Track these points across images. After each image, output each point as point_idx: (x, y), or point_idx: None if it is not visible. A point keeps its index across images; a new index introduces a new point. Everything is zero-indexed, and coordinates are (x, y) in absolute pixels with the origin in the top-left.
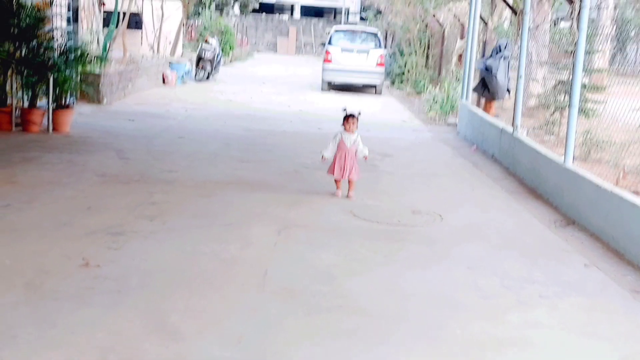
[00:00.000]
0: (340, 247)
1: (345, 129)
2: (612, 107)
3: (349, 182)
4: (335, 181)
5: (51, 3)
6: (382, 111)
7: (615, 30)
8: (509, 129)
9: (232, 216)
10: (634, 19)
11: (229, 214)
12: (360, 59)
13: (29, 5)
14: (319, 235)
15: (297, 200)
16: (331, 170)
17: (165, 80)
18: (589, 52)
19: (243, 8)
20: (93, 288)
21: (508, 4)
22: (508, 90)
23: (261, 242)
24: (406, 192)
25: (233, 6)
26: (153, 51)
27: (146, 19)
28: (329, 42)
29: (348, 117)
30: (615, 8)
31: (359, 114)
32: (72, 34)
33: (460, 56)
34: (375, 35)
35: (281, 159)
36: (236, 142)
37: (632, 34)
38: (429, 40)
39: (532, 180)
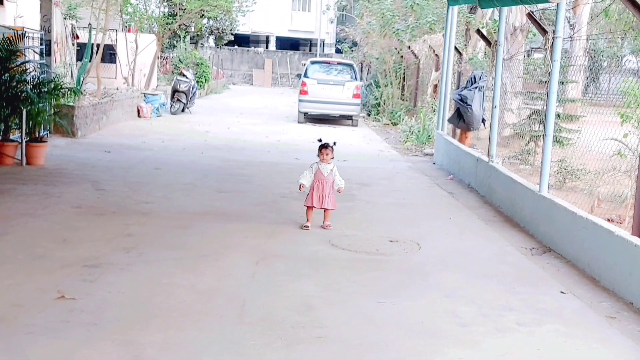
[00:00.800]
0: (319, 277)
1: (320, 159)
2: (586, 136)
3: (324, 212)
4: (307, 212)
5: (23, 36)
6: (359, 142)
7: (588, 61)
8: (485, 158)
9: (209, 247)
10: (606, 50)
11: (206, 245)
12: (336, 90)
13: (1, 37)
14: (297, 265)
15: (274, 231)
16: (309, 200)
17: (140, 113)
18: (562, 82)
19: (218, 40)
20: (68, 321)
21: (482, 36)
22: (483, 121)
23: (239, 273)
24: (384, 221)
25: (208, 39)
26: (127, 84)
27: (120, 52)
28: (305, 74)
29: (322, 148)
30: (587, 39)
31: (334, 144)
32: (45, 66)
33: (435, 87)
34: (351, 66)
35: (259, 189)
36: (213, 172)
37: (605, 64)
38: (404, 72)
39: (508, 209)
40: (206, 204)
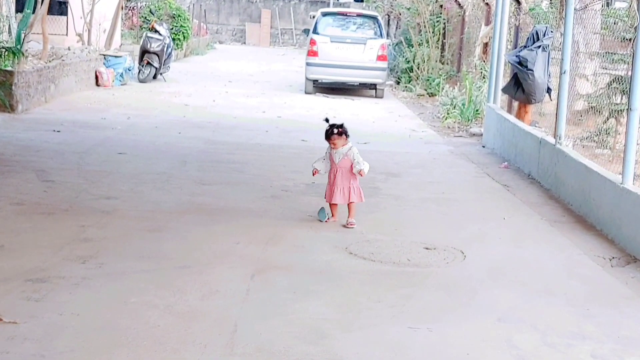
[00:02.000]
0: (332, 295)
1: (330, 146)
2: None
3: (348, 206)
4: (330, 207)
5: None
6: (385, 118)
7: None
8: (550, 139)
9: (190, 256)
10: None
11: (186, 253)
12: (355, 51)
13: None
14: (304, 280)
15: (275, 235)
16: (326, 193)
17: (100, 80)
18: None
19: None
20: (8, 352)
21: None
22: (548, 90)
23: (229, 290)
24: (417, 223)
25: None
26: (83, 42)
27: (73, 2)
28: (315, 30)
29: (329, 135)
30: None
31: (342, 126)
32: None
33: (485, 46)
34: (375, 19)
35: (254, 180)
36: (195, 158)
37: None
38: (444, 26)
39: (581, 206)
40: (186, 200)
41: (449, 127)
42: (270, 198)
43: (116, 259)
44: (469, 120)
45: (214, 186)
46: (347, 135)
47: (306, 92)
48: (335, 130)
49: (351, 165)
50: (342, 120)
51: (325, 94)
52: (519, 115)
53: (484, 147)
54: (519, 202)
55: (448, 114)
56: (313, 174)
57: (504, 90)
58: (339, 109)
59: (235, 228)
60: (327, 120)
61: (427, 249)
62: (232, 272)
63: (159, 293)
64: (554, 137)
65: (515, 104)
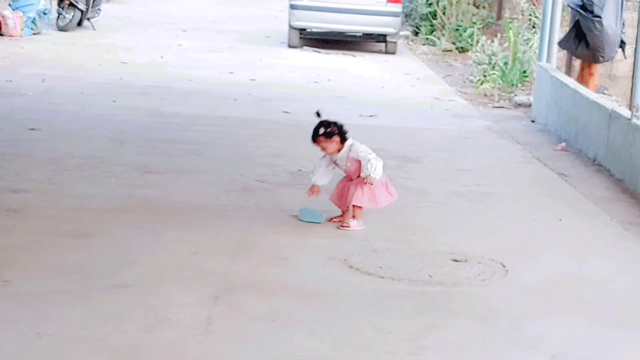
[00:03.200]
0: (326, 325)
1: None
2: None
3: (353, 209)
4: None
5: None
6: (399, 83)
7: None
8: (625, 112)
9: (130, 272)
10: None
11: (123, 267)
12: None
13: None
14: (287, 304)
15: (247, 242)
16: (333, 196)
17: (3, 28)
18: None
19: None
20: None
21: None
22: (622, 45)
23: (183, 318)
24: (443, 226)
25: None
26: None
27: None
28: None
29: (315, 138)
30: None
31: (318, 114)
32: None
33: None
34: None
35: (218, 167)
36: (136, 137)
37: None
38: None
39: None
40: (123, 194)
41: (485, 95)
42: (240, 192)
43: (27, 275)
44: (513, 85)
45: (163, 175)
46: (341, 137)
47: (290, 46)
48: (321, 131)
49: (358, 166)
50: (341, 85)
51: (316, 49)
52: (581, 79)
53: (533, 121)
54: (580, 198)
55: (485, 76)
56: (311, 193)
57: (562, 44)
58: (336, 69)
59: (192, 233)
60: (318, 114)
61: (456, 261)
62: (188, 294)
63: (87, 322)
64: (630, 109)
65: (577, 63)
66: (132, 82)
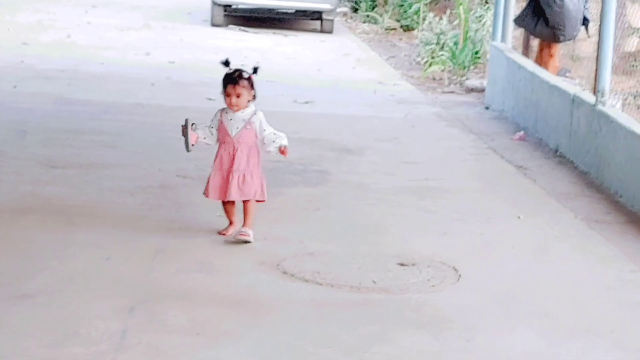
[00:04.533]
0: (257, 339)
1: (226, 103)
2: None
3: (244, 206)
4: (223, 207)
5: None
6: (337, 65)
7: None
8: (589, 97)
9: (34, 280)
10: None
11: (25, 275)
12: None
13: None
14: (213, 315)
15: (167, 246)
16: (209, 183)
17: None
18: None
19: None
20: None
21: None
22: (585, 22)
23: (94, 332)
24: (388, 225)
25: None
26: None
27: None
28: None
29: (228, 81)
30: None
31: (255, 71)
32: None
33: None
34: None
35: (134, 161)
36: (39, 127)
37: None
38: None
39: (636, 198)
40: (25, 192)
41: (434, 79)
42: (158, 188)
43: None
44: (464, 67)
45: (70, 170)
46: (253, 88)
47: (213, 24)
48: (245, 75)
49: (255, 141)
50: (272, 68)
51: (243, 27)
52: (540, 60)
53: (487, 108)
54: (541, 193)
55: (433, 58)
56: (186, 142)
57: (518, 21)
58: (266, 50)
59: (103, 236)
60: (226, 63)
61: (402, 265)
62: (100, 304)
63: None
64: (594, 93)
65: (535, 42)
66: (34, 65)
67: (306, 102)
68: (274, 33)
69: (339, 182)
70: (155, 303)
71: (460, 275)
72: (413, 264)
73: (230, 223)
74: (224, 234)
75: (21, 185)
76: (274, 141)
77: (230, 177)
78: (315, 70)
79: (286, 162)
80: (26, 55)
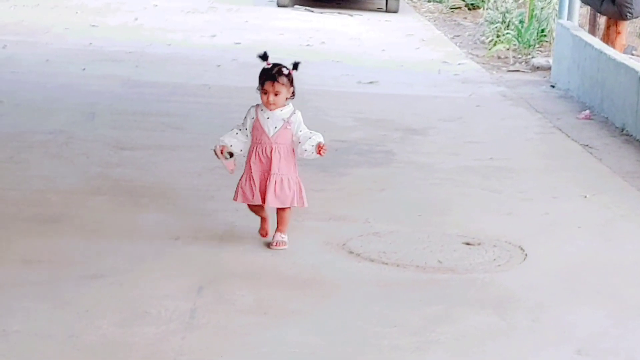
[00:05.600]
0: (322, 318)
1: (263, 101)
2: None
3: (279, 214)
4: (250, 208)
5: None
6: (402, 45)
7: None
8: None
9: (105, 260)
10: None
11: (96, 255)
12: None
13: None
14: (280, 294)
15: (234, 226)
16: (239, 189)
17: None
18: None
19: None
20: None
21: None
22: None
23: (164, 311)
24: (452, 205)
25: None
26: None
27: None
28: None
29: (265, 77)
30: None
31: (295, 67)
32: None
33: None
34: None
35: (200, 142)
36: (108, 109)
37: None
38: None
39: None
40: (95, 174)
41: (499, 58)
42: (225, 169)
43: None
44: (529, 46)
45: (139, 152)
46: (292, 85)
47: (279, 5)
48: (285, 71)
49: (292, 143)
50: (336, 49)
51: (308, 8)
52: (607, 38)
53: (553, 87)
54: (607, 172)
55: (498, 37)
56: (220, 155)
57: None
58: (331, 31)
59: (172, 216)
60: (264, 56)
61: (468, 245)
62: (169, 284)
63: (57, 317)
64: None
65: (602, 20)
66: (103, 48)
67: (371, 83)
68: (339, 13)
69: (403, 162)
70: (223, 283)
71: (526, 255)
72: (479, 244)
73: (264, 219)
74: (265, 235)
75: (91, 167)
76: (310, 138)
77: (268, 181)
78: (379, 50)
79: (351, 143)
80: (94, 38)
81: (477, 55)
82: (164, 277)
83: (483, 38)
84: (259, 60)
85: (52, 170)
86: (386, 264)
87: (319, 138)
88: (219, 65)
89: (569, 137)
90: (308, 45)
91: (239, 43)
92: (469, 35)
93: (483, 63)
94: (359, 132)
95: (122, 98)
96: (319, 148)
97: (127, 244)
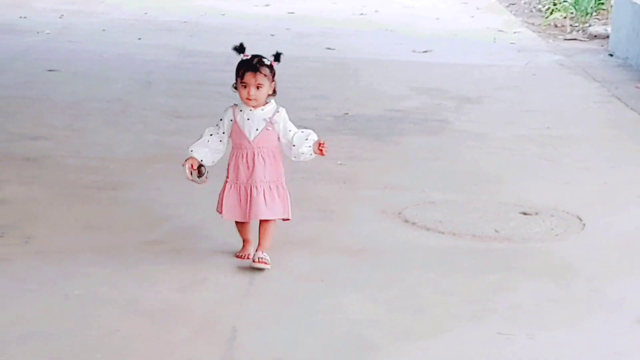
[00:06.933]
0: (380, 286)
1: (241, 96)
2: None
3: (261, 226)
4: (237, 227)
5: None
6: (456, 13)
7: None
8: None
9: (162, 227)
10: None
11: (154, 222)
12: None
13: None
14: (337, 262)
15: (291, 195)
16: (221, 200)
17: None
18: None
19: None
20: None
21: None
22: None
23: (222, 278)
24: (509, 174)
25: None
26: None
27: None
28: None
29: (243, 69)
30: None
31: (277, 57)
32: None
33: None
34: None
35: None
36: (164, 78)
37: None
38: None
39: None
40: (152, 142)
41: (556, 26)
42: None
43: (49, 230)
44: (587, 14)
45: (195, 120)
46: (274, 80)
47: None
48: (267, 61)
49: (277, 145)
50: (390, 17)
51: None
52: None
53: (611, 55)
54: None
55: (555, 4)
56: (189, 173)
57: None
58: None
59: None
60: (241, 48)
61: (525, 214)
62: (227, 251)
63: (117, 282)
64: None
65: None
66: (158, 18)
67: (425, 51)
68: None
69: (458, 130)
70: (280, 250)
71: (584, 224)
72: (536, 213)
73: (246, 241)
74: (242, 257)
75: (147, 135)
76: (306, 139)
77: (254, 191)
78: (433, 18)
79: (406, 111)
80: (149, 8)
81: (533, 24)
82: (223, 244)
83: (539, 6)
84: (313, 28)
85: (110, 138)
86: (442, 233)
87: (314, 136)
88: (273, 35)
89: (627, 106)
90: (361, 14)
91: (292, 12)
92: (525, 3)
93: (539, 32)
94: (413, 101)
95: (178, 67)
96: (320, 146)
97: (184, 211)
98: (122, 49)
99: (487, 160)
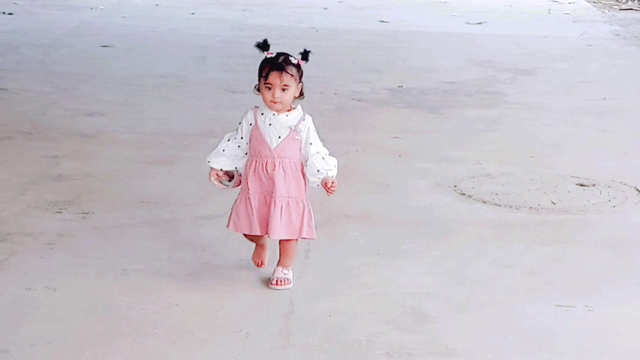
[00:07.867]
0: (436, 258)
1: (264, 98)
2: None
3: (282, 245)
4: (246, 236)
5: None
6: None
7: None
8: None
9: (219, 202)
10: None
11: (211, 197)
12: None
13: None
14: (392, 235)
15: (345, 167)
16: (234, 215)
17: None
18: None
19: None
20: None
21: None
22: None
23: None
24: (565, 146)
25: None
26: None
27: None
28: None
29: (270, 68)
30: None
31: (304, 57)
32: None
33: None
34: None
35: (310, 85)
36: (217, 53)
37: None
38: None
39: None
40: (207, 117)
41: None
42: (334, 112)
43: (107, 206)
44: None
45: (249, 95)
46: (301, 81)
47: None
48: (294, 60)
49: (300, 156)
50: None
51: None
52: None
53: None
54: None
55: None
56: (217, 182)
57: None
58: None
59: None
60: (264, 45)
61: (582, 185)
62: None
63: (175, 256)
64: None
65: None
66: None
67: (479, 23)
68: None
69: (513, 102)
70: (336, 224)
71: None
72: (593, 185)
73: (260, 246)
74: (259, 265)
75: (203, 110)
76: (318, 170)
77: (272, 206)
78: None
79: (460, 84)
80: None
81: None
82: None
83: None
84: (365, 3)
85: (165, 113)
86: (499, 205)
87: (330, 170)
88: (326, 8)
89: None
90: None
91: None
92: None
93: (595, 2)
94: (467, 73)
95: (231, 42)
96: (326, 186)
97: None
98: (175, 24)
99: (543, 132)
